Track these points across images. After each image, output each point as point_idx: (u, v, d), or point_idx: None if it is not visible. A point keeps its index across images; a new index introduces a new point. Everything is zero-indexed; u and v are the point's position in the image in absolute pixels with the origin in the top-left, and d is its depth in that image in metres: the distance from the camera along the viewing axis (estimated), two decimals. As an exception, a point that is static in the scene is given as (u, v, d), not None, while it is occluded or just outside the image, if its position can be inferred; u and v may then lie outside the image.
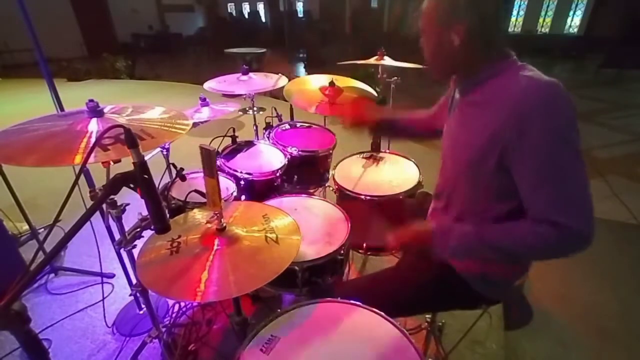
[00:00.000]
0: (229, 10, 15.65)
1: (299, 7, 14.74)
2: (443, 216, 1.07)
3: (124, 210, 1.32)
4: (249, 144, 1.80)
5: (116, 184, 0.68)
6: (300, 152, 1.73)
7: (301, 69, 8.73)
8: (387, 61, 2.21)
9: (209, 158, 0.85)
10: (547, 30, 10.85)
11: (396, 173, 1.62)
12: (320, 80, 1.96)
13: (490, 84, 0.88)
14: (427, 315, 1.40)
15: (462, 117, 0.97)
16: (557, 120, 0.76)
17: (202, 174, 1.46)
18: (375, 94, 1.99)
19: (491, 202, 0.92)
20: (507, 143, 0.81)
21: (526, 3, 10.88)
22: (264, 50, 6.62)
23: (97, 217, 1.01)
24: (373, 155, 1.77)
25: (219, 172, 1.56)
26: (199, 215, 1.08)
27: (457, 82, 1.01)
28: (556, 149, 0.77)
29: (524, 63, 0.87)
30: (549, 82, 0.79)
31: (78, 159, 0.93)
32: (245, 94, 2.33)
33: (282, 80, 2.19)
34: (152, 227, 0.77)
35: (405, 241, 0.96)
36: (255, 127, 2.41)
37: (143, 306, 1.72)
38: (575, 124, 0.78)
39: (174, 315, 1.66)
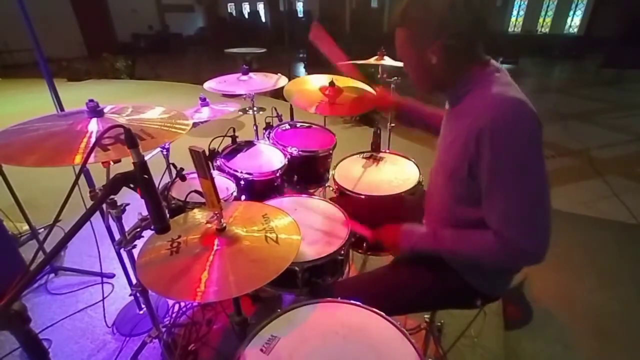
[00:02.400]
0: (229, 10, 15.64)
1: (299, 7, 14.74)
2: (429, 217, 1.14)
3: (124, 210, 1.32)
4: (249, 144, 1.80)
5: (116, 184, 0.68)
6: (300, 152, 1.73)
7: (301, 68, 8.73)
8: (387, 61, 2.21)
9: (199, 159, 0.84)
10: (547, 30, 10.85)
11: (396, 173, 1.62)
12: (320, 80, 1.96)
13: (469, 97, 0.91)
14: (425, 315, 1.40)
15: (447, 127, 1.02)
16: (511, 137, 0.78)
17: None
18: (375, 94, 1.98)
19: (467, 208, 0.94)
20: (471, 156, 0.84)
21: (526, 3, 10.88)
22: (264, 50, 6.61)
23: (97, 217, 1.01)
24: (373, 155, 1.77)
25: (219, 172, 1.57)
26: (198, 216, 1.08)
27: (445, 95, 1.04)
28: (506, 166, 0.80)
29: (500, 73, 0.89)
30: (511, 99, 0.80)
31: (78, 159, 0.93)
32: (245, 94, 2.33)
33: (282, 80, 2.19)
34: (152, 227, 0.77)
35: (382, 237, 1.10)
36: (255, 127, 2.41)
37: (143, 306, 1.72)
38: (533, 143, 0.79)
39: (174, 315, 1.66)
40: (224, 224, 0.94)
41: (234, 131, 1.77)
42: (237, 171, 1.53)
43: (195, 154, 0.84)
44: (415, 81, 0.99)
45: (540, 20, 10.85)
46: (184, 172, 1.36)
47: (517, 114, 0.79)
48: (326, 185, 1.90)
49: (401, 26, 0.92)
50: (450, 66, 0.90)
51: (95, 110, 1.12)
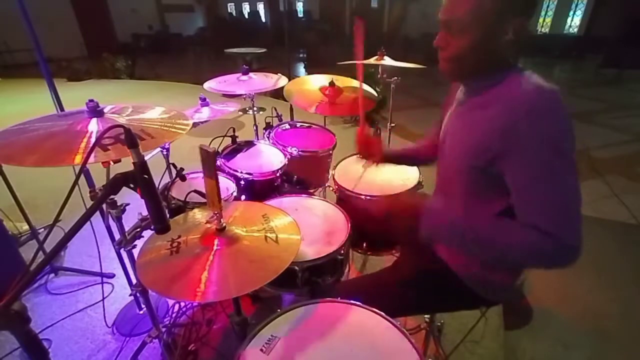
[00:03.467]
0: (229, 10, 15.65)
1: (299, 7, 14.75)
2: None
3: (124, 210, 1.32)
4: (249, 144, 1.80)
5: (116, 184, 0.68)
6: (300, 152, 1.73)
7: (301, 68, 8.74)
8: (387, 61, 2.21)
9: (208, 159, 0.85)
10: (547, 30, 10.85)
11: (396, 173, 1.62)
12: (320, 80, 1.96)
13: (499, 88, 0.85)
14: (425, 316, 1.40)
15: (465, 119, 0.94)
16: (546, 126, 0.74)
17: (202, 174, 1.46)
18: (375, 94, 1.99)
19: (484, 204, 0.91)
20: (499, 147, 0.80)
21: (526, 3, 10.87)
22: (264, 50, 6.61)
23: (97, 217, 1.01)
24: (373, 155, 1.76)
25: (219, 172, 1.57)
26: (198, 215, 1.08)
27: (468, 83, 0.95)
28: (545, 156, 0.75)
29: (529, 71, 0.84)
30: (544, 88, 0.77)
31: (78, 159, 0.93)
32: (245, 94, 2.33)
33: (282, 80, 2.19)
34: (152, 227, 0.77)
35: (396, 208, 0.94)
36: (255, 127, 2.41)
37: (143, 306, 1.72)
38: (567, 133, 0.75)
39: (174, 315, 1.66)
40: (224, 224, 0.94)
41: (234, 131, 1.77)
42: (237, 171, 1.54)
43: (205, 153, 0.84)
44: (462, 54, 0.85)
45: (540, 20, 10.85)
46: (184, 172, 1.37)
47: (554, 104, 0.75)
48: (326, 185, 1.90)
49: None
50: (513, 49, 0.82)
51: (95, 110, 1.12)
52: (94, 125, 1.08)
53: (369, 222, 1.17)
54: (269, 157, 1.71)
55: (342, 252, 1.18)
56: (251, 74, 2.27)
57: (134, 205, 1.29)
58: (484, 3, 0.78)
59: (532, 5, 0.81)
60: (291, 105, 2.29)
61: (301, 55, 9.57)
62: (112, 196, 1.00)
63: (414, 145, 1.35)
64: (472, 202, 0.93)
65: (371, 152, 1.32)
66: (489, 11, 0.78)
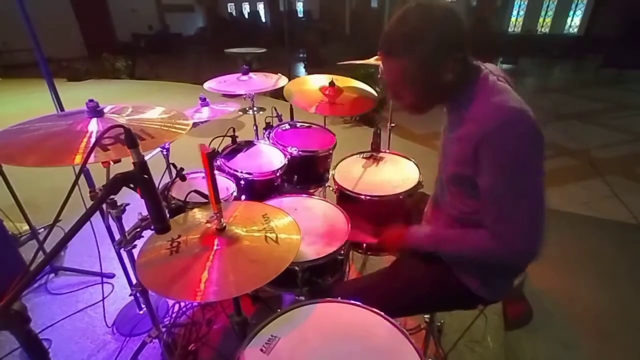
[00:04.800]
0: (229, 10, 15.66)
1: (299, 7, 14.76)
2: (433, 217, 1.14)
3: (124, 210, 1.32)
4: (249, 144, 1.80)
5: (116, 184, 0.68)
6: (300, 152, 1.73)
7: (301, 68, 8.74)
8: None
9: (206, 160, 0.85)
10: (547, 30, 10.85)
11: (396, 173, 1.62)
12: (320, 80, 1.96)
13: (472, 105, 0.90)
14: (425, 315, 1.40)
15: (450, 135, 1.00)
16: (508, 145, 0.80)
17: (202, 174, 1.46)
18: (375, 94, 1.99)
19: (474, 212, 0.95)
20: (472, 160, 0.86)
21: (526, 3, 10.89)
22: (264, 50, 6.61)
23: (97, 217, 1.01)
24: (373, 155, 1.77)
25: (219, 172, 1.57)
26: (198, 215, 1.08)
27: (446, 106, 1.03)
28: (505, 168, 0.82)
29: (494, 76, 0.90)
30: (510, 107, 0.81)
31: (78, 159, 0.93)
32: (245, 94, 2.33)
33: (282, 80, 2.19)
34: (152, 227, 0.77)
35: (386, 241, 1.11)
36: (255, 127, 2.41)
37: (143, 306, 1.72)
38: (531, 148, 0.81)
39: (174, 315, 1.66)
40: (224, 224, 0.94)
41: (234, 131, 1.77)
42: (237, 171, 1.54)
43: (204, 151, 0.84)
44: (414, 103, 0.96)
45: (540, 20, 10.86)
46: (184, 172, 1.37)
47: (519, 121, 0.80)
48: (326, 185, 1.90)
49: (402, 55, 0.86)
50: (461, 78, 0.89)
51: (95, 110, 1.12)
52: (94, 125, 1.08)
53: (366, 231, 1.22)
54: (269, 157, 1.71)
55: (342, 252, 1.18)
56: (251, 74, 2.26)
57: (134, 205, 1.29)
58: (409, 71, 0.87)
59: (455, 39, 0.85)
60: (291, 105, 2.28)
61: (301, 55, 9.57)
62: (112, 196, 1.00)
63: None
64: (464, 213, 0.99)
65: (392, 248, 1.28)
66: (416, 71, 0.87)
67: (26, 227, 2.09)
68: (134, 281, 1.56)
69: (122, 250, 1.32)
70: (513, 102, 0.82)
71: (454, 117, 0.97)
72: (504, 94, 0.85)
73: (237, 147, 1.75)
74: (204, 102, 2.19)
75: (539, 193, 0.83)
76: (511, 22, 11.30)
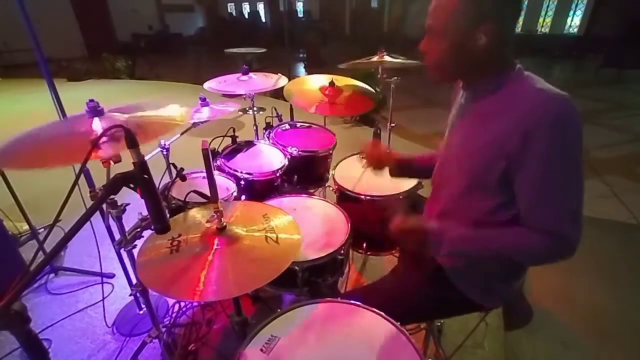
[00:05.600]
0: (229, 10, 15.66)
1: (299, 7, 14.76)
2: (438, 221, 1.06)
3: (124, 210, 1.32)
4: (249, 144, 1.81)
5: (116, 184, 0.68)
6: (300, 152, 1.73)
7: (301, 68, 8.74)
8: (387, 59, 2.21)
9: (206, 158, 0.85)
10: (547, 30, 10.85)
11: (396, 173, 1.62)
12: (320, 80, 1.96)
13: (503, 93, 0.86)
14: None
15: (472, 127, 0.93)
16: (563, 135, 0.77)
17: (202, 174, 1.46)
18: (375, 94, 1.99)
19: (489, 213, 0.91)
20: (512, 154, 0.81)
21: (526, 3, 10.87)
22: (264, 50, 6.61)
23: (97, 217, 1.01)
24: (373, 155, 1.76)
25: (219, 172, 1.58)
26: (199, 215, 1.08)
27: (466, 88, 0.97)
28: (560, 163, 0.78)
29: (529, 73, 0.86)
30: (558, 96, 0.78)
31: (78, 159, 0.93)
32: (245, 94, 2.33)
33: (282, 80, 2.19)
34: (152, 227, 0.77)
35: (404, 231, 0.94)
36: (255, 127, 2.41)
37: (143, 306, 1.72)
38: (580, 139, 0.79)
39: (174, 315, 1.66)
40: (224, 224, 0.94)
41: (234, 131, 1.77)
42: (237, 171, 1.54)
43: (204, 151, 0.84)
44: (442, 60, 0.89)
45: (540, 20, 10.86)
46: (184, 172, 1.37)
47: (570, 111, 0.77)
48: (326, 185, 1.90)
49: None
50: (494, 52, 0.84)
51: (95, 110, 1.12)
52: (94, 125, 1.08)
53: (368, 223, 1.18)
54: (269, 157, 1.71)
55: (342, 252, 1.18)
56: (251, 74, 2.26)
57: (134, 205, 1.29)
58: (456, 10, 0.82)
59: (502, 10, 0.82)
60: (291, 105, 2.29)
61: (301, 55, 9.57)
62: (112, 196, 1.00)
63: (425, 154, 1.30)
64: (479, 215, 0.93)
65: (381, 162, 1.30)
66: (460, 17, 0.82)
67: (26, 227, 2.09)
68: (134, 281, 1.56)
69: (122, 250, 1.32)
70: (560, 91, 0.79)
71: (481, 105, 0.91)
72: (546, 84, 0.82)
73: (237, 147, 1.76)
74: (204, 102, 2.18)
75: (581, 182, 0.80)
76: (511, 22, 11.29)
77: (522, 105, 0.80)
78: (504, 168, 0.83)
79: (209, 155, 0.86)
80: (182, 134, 1.81)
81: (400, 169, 1.28)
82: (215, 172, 1.60)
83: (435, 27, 0.87)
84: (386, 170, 1.44)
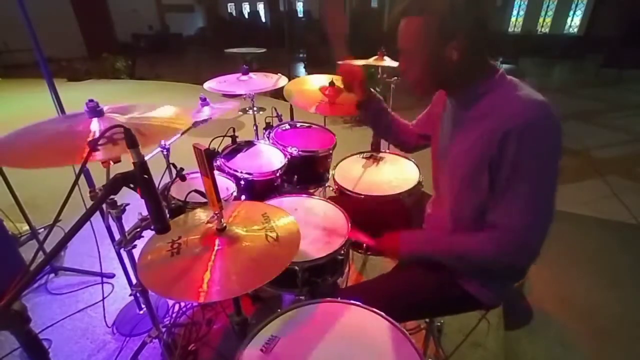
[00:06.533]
0: (229, 10, 15.65)
1: (299, 7, 14.74)
2: (436, 220, 1.12)
3: (124, 210, 1.32)
4: (249, 144, 1.80)
5: (116, 184, 0.68)
6: (300, 152, 1.73)
7: (301, 68, 8.74)
8: (387, 61, 2.21)
9: (200, 157, 0.84)
10: (547, 30, 10.84)
11: (396, 173, 1.62)
12: (320, 80, 1.96)
13: (487, 100, 0.88)
14: (426, 316, 1.40)
15: (459, 134, 0.96)
16: (534, 140, 0.78)
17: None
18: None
19: (484, 215, 0.92)
20: (493, 158, 0.83)
21: (526, 3, 10.87)
22: (264, 50, 6.61)
23: (97, 217, 1.01)
24: (373, 155, 1.77)
25: (219, 172, 1.57)
26: (199, 216, 1.08)
27: (451, 97, 1.00)
28: (526, 168, 0.80)
29: (510, 76, 0.89)
30: (535, 102, 0.80)
31: (78, 159, 0.93)
32: (245, 94, 2.33)
33: (282, 80, 2.19)
34: (152, 227, 0.77)
35: (383, 246, 1.09)
36: (255, 127, 2.41)
37: (143, 306, 1.72)
38: (554, 145, 0.80)
39: (174, 315, 1.66)
40: (224, 224, 0.94)
41: (234, 131, 1.77)
42: (237, 171, 1.54)
43: (197, 151, 0.84)
44: (419, 78, 0.93)
45: (540, 20, 10.85)
46: (184, 172, 1.37)
47: (547, 117, 0.79)
48: (326, 185, 1.90)
49: (418, 15, 0.84)
50: (469, 64, 0.86)
51: (95, 110, 1.12)
52: (94, 125, 1.08)
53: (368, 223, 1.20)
54: (269, 157, 1.71)
55: (342, 252, 1.18)
56: (251, 74, 2.26)
57: (134, 205, 1.29)
58: (421, 33, 0.85)
59: (467, 25, 0.82)
60: (291, 105, 2.29)
61: (301, 55, 9.57)
62: (112, 196, 1.00)
63: (399, 118, 1.38)
64: (475, 217, 0.96)
65: (354, 82, 1.32)
66: (426, 39, 0.85)
67: (26, 227, 2.09)
68: (134, 281, 1.56)
69: (122, 250, 1.32)
70: (539, 97, 0.81)
71: (468, 112, 0.93)
72: (526, 89, 0.84)
73: (237, 147, 1.75)
74: (204, 102, 2.18)
75: (551, 188, 0.83)
76: (511, 22, 11.29)
77: (501, 112, 0.82)
78: (488, 171, 0.86)
79: (212, 163, 0.86)
80: (182, 133, 1.80)
81: (370, 104, 1.32)
82: (215, 172, 1.60)
83: (406, 49, 0.91)
84: (386, 170, 1.44)
